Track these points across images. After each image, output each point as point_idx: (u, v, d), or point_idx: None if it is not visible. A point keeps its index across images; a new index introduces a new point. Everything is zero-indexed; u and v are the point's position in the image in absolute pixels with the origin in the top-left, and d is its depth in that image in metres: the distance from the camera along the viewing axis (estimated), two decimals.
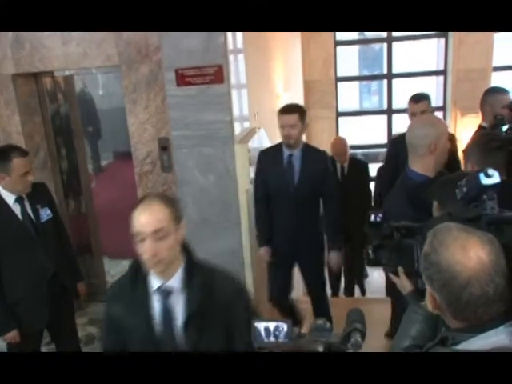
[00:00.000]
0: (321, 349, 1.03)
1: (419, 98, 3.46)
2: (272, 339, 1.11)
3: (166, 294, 1.64)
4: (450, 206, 1.39)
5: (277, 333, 1.11)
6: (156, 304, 1.65)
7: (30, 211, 2.77)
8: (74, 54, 3.47)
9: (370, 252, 1.39)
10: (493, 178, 1.21)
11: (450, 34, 6.58)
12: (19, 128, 3.65)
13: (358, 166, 4.86)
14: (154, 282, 1.65)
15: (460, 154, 3.31)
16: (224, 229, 3.17)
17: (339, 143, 4.80)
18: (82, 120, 4.14)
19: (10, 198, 2.71)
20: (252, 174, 3.43)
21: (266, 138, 3.91)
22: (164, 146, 3.48)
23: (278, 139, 3.28)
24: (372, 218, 1.43)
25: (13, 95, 3.60)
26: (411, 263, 1.39)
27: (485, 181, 1.21)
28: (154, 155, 3.55)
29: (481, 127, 3.18)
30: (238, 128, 3.21)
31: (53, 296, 2.83)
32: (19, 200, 2.73)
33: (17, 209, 2.73)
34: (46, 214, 2.83)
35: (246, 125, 3.51)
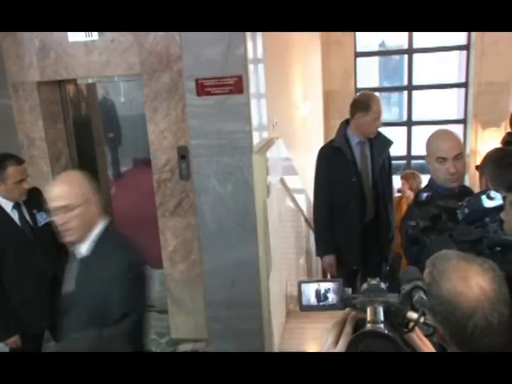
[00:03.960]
0: (380, 309, 0.94)
1: None
2: (321, 302, 1.03)
3: None
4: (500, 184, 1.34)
5: (327, 294, 1.03)
6: None
7: (27, 217, 2.86)
8: (97, 63, 3.54)
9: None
10: (495, 200, 1.19)
11: (472, 46, 6.53)
12: (42, 134, 3.73)
13: None
14: None
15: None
16: (240, 238, 3.17)
17: None
18: (103, 126, 4.21)
19: (7, 205, 2.81)
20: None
21: (284, 148, 3.92)
22: (183, 155, 3.52)
23: (297, 149, 3.29)
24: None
25: (37, 102, 3.68)
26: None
27: (487, 203, 1.19)
28: (172, 163, 3.59)
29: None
30: (256, 138, 3.22)
31: (54, 298, 2.85)
32: (16, 206, 2.83)
33: (14, 215, 2.82)
34: (42, 218, 2.90)
35: (265, 135, 3.52)
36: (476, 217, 1.21)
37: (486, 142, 6.11)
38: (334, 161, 3.37)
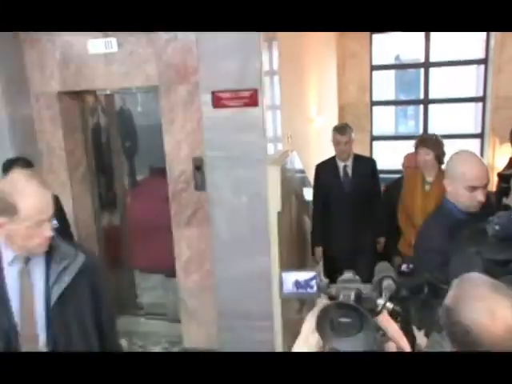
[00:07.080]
0: (352, 295, 1.00)
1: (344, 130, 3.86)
2: (300, 290, 1.09)
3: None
4: None
5: (305, 283, 1.09)
6: None
7: None
8: (115, 74, 3.61)
9: (390, 305, 1.24)
10: None
11: (490, 60, 6.49)
12: (62, 143, 3.81)
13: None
14: None
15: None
16: (253, 249, 3.19)
17: None
18: (120, 136, 4.28)
19: None
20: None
21: (298, 160, 3.94)
22: (198, 166, 3.56)
23: (311, 162, 3.30)
24: (403, 267, 1.38)
25: (57, 112, 3.76)
26: (431, 327, 1.29)
27: None
28: (188, 174, 3.62)
29: None
30: (270, 150, 3.25)
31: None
32: None
33: None
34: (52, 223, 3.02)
35: (279, 147, 3.55)
36: (508, 233, 1.19)
37: (503, 156, 6.04)
38: None
